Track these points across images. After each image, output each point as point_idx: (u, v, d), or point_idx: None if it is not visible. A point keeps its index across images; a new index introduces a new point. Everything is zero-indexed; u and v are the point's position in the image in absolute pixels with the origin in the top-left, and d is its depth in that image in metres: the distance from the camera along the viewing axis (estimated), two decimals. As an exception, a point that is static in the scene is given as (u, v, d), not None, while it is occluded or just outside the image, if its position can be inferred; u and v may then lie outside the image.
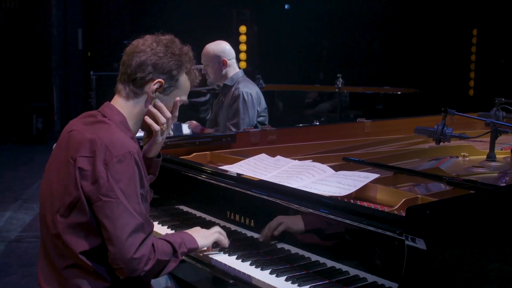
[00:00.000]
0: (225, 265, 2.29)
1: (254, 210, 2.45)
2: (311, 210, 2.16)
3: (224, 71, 4.44)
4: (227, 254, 2.37)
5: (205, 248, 2.36)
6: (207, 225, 2.66)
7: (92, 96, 11.77)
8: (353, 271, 2.05)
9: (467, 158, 3.41)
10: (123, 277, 2.02)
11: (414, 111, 6.13)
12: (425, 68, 9.96)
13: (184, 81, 2.31)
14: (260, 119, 4.45)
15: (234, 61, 4.51)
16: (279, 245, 2.33)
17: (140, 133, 2.46)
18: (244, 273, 2.19)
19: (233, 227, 2.55)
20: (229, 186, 2.55)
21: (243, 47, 12.62)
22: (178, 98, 2.32)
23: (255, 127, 4.29)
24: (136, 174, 2.08)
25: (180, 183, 2.91)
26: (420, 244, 1.77)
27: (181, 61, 2.28)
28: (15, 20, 11.35)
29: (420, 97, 7.66)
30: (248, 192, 2.44)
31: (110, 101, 2.29)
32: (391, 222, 1.89)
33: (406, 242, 1.81)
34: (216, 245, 2.41)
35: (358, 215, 2.00)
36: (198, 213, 2.78)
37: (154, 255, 2.04)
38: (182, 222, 2.82)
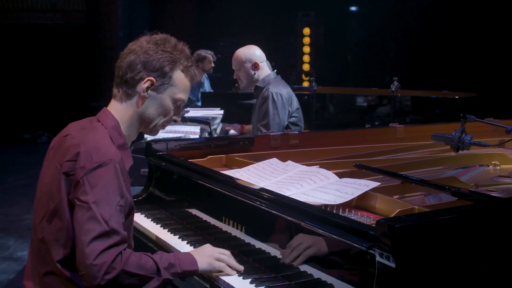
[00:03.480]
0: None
1: (243, 215, 2.40)
2: (302, 223, 2.06)
3: (256, 74, 4.40)
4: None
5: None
6: (208, 229, 2.62)
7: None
8: (338, 284, 1.94)
9: (498, 167, 3.21)
10: (86, 285, 1.94)
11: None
12: (490, 73, 9.57)
13: (180, 78, 2.24)
14: (292, 119, 4.35)
15: (265, 63, 4.47)
16: (273, 253, 2.24)
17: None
18: (223, 281, 2.12)
19: (233, 233, 2.49)
20: (222, 191, 2.51)
21: (306, 49, 12.54)
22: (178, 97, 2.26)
23: (287, 127, 4.22)
24: (114, 182, 2.01)
25: (185, 187, 2.87)
26: (389, 261, 1.65)
27: (174, 57, 2.21)
28: (83, 22, 11.66)
29: (479, 102, 7.34)
30: (237, 197, 2.39)
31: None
32: (364, 235, 1.77)
33: (376, 257, 1.69)
34: None
35: (334, 226, 1.90)
36: (205, 217, 2.72)
37: (120, 265, 1.92)
38: (185, 226, 2.78)
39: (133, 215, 2.22)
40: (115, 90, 2.25)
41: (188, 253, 2.16)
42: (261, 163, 2.92)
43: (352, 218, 2.21)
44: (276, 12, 12.47)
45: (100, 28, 11.62)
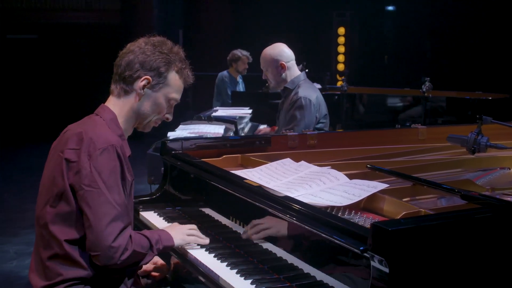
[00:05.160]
0: (206, 267, 2.25)
1: (249, 215, 2.39)
2: (302, 225, 2.04)
3: (283, 74, 4.27)
4: (226, 264, 2.29)
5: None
6: (218, 228, 2.63)
7: (188, 95, 12.04)
8: (340, 287, 1.91)
9: (520, 170, 3.13)
10: (99, 264, 2.09)
11: (505, 117, 5.73)
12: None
13: (174, 79, 2.37)
14: (319, 125, 4.23)
15: (293, 63, 4.33)
16: (279, 255, 2.23)
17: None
18: (224, 281, 2.12)
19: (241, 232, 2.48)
20: (230, 191, 2.50)
21: (341, 49, 12.48)
22: (171, 96, 2.38)
23: None
24: (118, 166, 2.17)
25: (198, 186, 2.87)
26: (382, 265, 1.61)
27: (169, 59, 2.34)
28: (118, 21, 11.78)
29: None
30: (242, 197, 2.40)
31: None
32: (361, 237, 1.73)
33: (370, 261, 1.66)
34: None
35: (332, 227, 1.87)
36: (217, 216, 2.73)
37: (131, 245, 2.12)
38: (196, 225, 2.76)
39: (133, 190, 2.34)
40: (112, 86, 2.37)
41: (164, 231, 2.38)
42: (274, 163, 2.90)
43: (357, 220, 2.19)
44: (311, 12, 12.43)
45: (135, 27, 11.72)
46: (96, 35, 11.96)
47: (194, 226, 2.49)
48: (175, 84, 2.37)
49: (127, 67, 2.30)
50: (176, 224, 2.52)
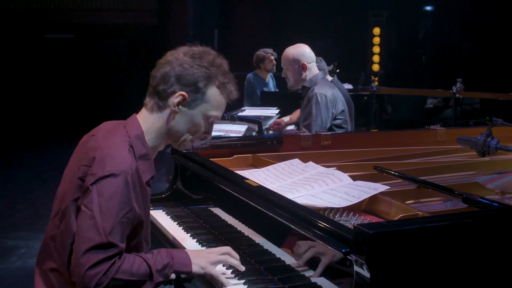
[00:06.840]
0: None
1: (252, 215, 2.39)
2: (293, 226, 2.03)
3: (303, 74, 4.38)
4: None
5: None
6: (222, 228, 2.62)
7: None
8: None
9: (538, 174, 3.05)
10: None
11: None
12: None
13: (214, 95, 2.15)
14: (337, 122, 4.30)
15: (313, 64, 4.44)
16: (278, 255, 2.21)
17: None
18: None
19: (246, 233, 2.47)
20: (232, 192, 2.49)
21: (376, 49, 12.34)
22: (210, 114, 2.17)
23: (330, 129, 4.17)
24: (122, 194, 1.96)
25: (206, 186, 2.87)
26: (363, 269, 1.58)
27: (210, 73, 2.12)
28: (153, 21, 11.90)
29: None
30: (238, 196, 2.40)
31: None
32: (346, 240, 1.71)
33: (354, 264, 1.63)
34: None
35: (319, 229, 1.85)
36: (224, 216, 2.72)
37: (112, 274, 1.89)
38: (202, 224, 2.77)
39: (142, 232, 2.14)
40: (147, 99, 2.17)
41: (185, 253, 2.10)
42: (281, 164, 2.90)
43: (354, 222, 2.17)
44: (347, 12, 12.36)
45: (170, 27, 11.81)
46: (132, 35, 12.10)
47: (226, 250, 2.15)
48: (215, 100, 2.15)
49: (162, 80, 2.10)
50: (205, 250, 2.24)
